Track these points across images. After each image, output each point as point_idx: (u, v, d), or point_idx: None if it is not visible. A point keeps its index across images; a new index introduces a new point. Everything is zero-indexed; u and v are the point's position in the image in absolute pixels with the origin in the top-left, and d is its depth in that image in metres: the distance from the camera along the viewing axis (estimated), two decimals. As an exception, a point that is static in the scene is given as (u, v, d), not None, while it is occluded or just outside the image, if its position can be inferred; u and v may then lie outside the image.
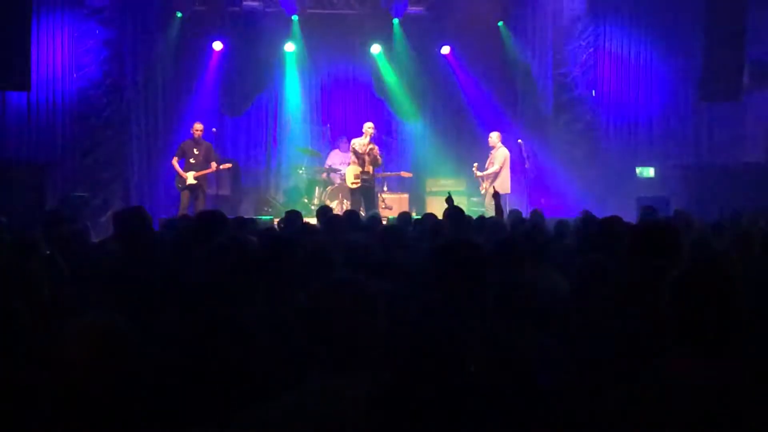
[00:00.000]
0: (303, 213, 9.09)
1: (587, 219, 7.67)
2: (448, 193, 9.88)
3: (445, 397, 2.37)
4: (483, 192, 14.69)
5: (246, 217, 10.19)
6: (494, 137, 14.72)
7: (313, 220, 9.30)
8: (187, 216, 10.08)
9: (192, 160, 13.97)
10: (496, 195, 9.88)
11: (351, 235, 6.89)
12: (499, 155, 14.50)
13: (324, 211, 9.03)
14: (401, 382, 2.39)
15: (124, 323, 2.40)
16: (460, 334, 2.58)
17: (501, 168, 14.42)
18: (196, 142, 14.05)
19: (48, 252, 5.47)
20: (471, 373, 2.48)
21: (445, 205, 8.46)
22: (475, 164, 14.69)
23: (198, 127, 14.12)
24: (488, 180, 14.49)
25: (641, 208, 9.78)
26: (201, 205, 13.56)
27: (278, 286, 4.14)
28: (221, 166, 14.25)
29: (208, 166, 14.03)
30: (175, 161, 14.07)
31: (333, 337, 2.56)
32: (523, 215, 10.75)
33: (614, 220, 5.71)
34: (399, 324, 2.73)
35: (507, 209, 14.27)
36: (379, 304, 2.65)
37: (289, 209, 9.32)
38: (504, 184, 14.45)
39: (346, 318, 2.56)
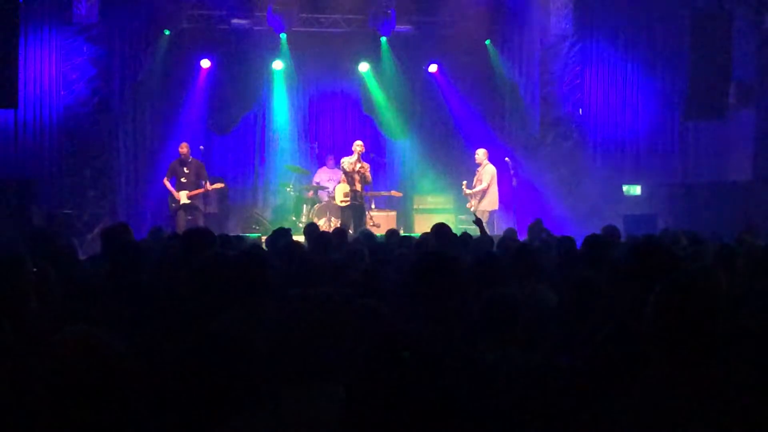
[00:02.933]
0: (291, 231, 9.06)
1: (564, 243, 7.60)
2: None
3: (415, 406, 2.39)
4: (471, 209, 14.74)
5: (233, 234, 10.18)
6: (481, 154, 14.78)
7: (301, 238, 9.30)
8: (175, 233, 10.06)
9: (183, 179, 14.06)
10: (478, 221, 9.72)
11: (337, 252, 6.91)
12: (487, 172, 14.55)
13: (311, 229, 9.03)
14: (372, 392, 2.40)
15: (108, 336, 2.41)
16: (431, 346, 2.61)
17: (489, 185, 14.47)
18: (184, 162, 14.09)
19: (35, 269, 5.46)
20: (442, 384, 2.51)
21: (432, 223, 8.48)
22: (464, 182, 14.75)
23: (183, 149, 14.15)
24: (476, 197, 14.54)
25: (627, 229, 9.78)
26: (200, 224, 13.55)
27: (261, 303, 4.15)
28: (213, 186, 14.29)
29: (201, 185, 14.10)
30: (166, 181, 14.15)
31: (305, 350, 2.57)
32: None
33: (599, 238, 5.75)
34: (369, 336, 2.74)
35: (495, 226, 14.36)
36: (349, 317, 2.66)
37: (276, 227, 9.31)
38: (492, 201, 14.51)
39: (317, 331, 2.57)
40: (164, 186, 14.22)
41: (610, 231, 8.85)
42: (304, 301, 2.72)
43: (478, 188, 14.54)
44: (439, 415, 2.62)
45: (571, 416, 2.84)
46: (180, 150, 14.18)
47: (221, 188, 14.94)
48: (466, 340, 3.57)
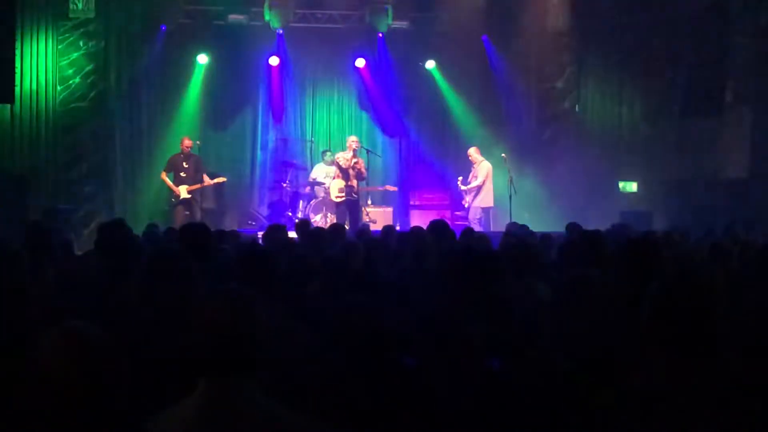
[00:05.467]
0: (287, 226, 9.05)
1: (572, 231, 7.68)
2: None
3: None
4: (466, 205, 14.74)
5: (229, 230, 10.17)
6: (473, 152, 14.81)
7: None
8: (172, 228, 10.04)
9: (183, 174, 14.14)
10: None
11: (332, 248, 6.90)
12: (483, 168, 14.56)
13: (303, 225, 9.02)
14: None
15: (97, 330, 2.41)
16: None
17: (484, 181, 14.47)
18: (185, 157, 14.19)
19: (30, 263, 5.46)
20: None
21: (428, 219, 8.47)
22: (460, 178, 14.78)
23: (186, 142, 14.28)
24: (471, 194, 14.55)
25: (613, 226, 9.76)
26: (198, 219, 13.59)
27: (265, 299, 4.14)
28: (214, 181, 14.38)
29: (200, 180, 14.13)
30: (164, 175, 14.18)
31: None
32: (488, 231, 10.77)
33: (596, 234, 5.76)
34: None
35: (491, 223, 14.36)
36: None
37: (273, 223, 9.31)
38: (488, 197, 14.51)
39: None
40: (161, 181, 14.25)
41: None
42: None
43: (473, 184, 14.55)
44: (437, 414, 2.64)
45: (568, 412, 2.84)
46: (182, 144, 14.31)
47: (219, 183, 14.93)
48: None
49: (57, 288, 4.96)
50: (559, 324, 3.87)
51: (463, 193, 14.79)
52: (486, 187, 14.51)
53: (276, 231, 8.16)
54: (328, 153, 16.00)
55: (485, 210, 14.59)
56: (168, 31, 15.87)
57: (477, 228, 12.88)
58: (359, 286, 4.78)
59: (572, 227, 8.85)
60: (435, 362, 3.36)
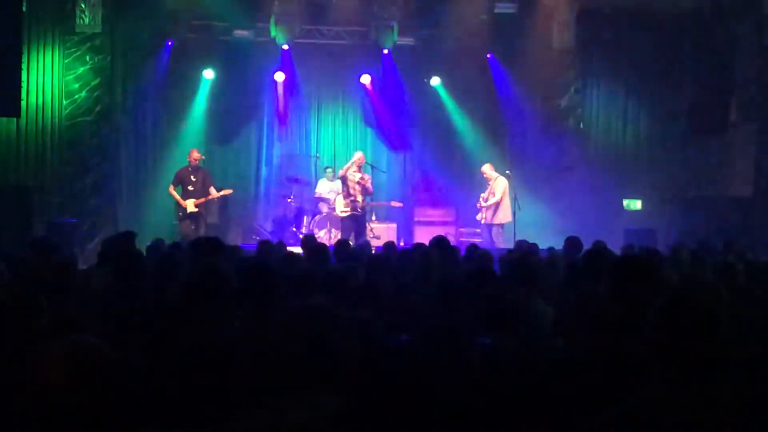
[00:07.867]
0: (291, 242, 9.05)
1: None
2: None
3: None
4: (482, 221, 14.68)
5: (233, 245, 10.17)
6: (486, 169, 14.74)
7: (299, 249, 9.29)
8: (177, 243, 10.01)
9: (190, 188, 13.97)
10: None
11: (336, 263, 6.91)
12: (499, 185, 14.50)
13: (308, 240, 9.03)
14: (369, 400, 2.41)
15: (101, 345, 2.40)
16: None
17: (502, 197, 14.42)
18: (193, 170, 14.04)
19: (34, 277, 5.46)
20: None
21: (432, 235, 8.47)
22: (482, 195, 14.67)
23: (195, 155, 14.10)
24: (490, 210, 14.48)
25: (623, 248, 9.76)
26: (203, 233, 13.46)
27: (259, 313, 4.13)
28: (220, 193, 14.22)
29: (207, 193, 14.04)
30: (172, 189, 14.07)
31: (307, 356, 2.57)
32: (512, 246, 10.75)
33: (600, 250, 5.75)
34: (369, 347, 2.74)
35: (501, 239, 14.30)
36: (352, 329, 2.67)
37: (277, 238, 9.31)
38: (506, 213, 14.46)
39: (320, 339, 2.58)
40: (166, 195, 14.21)
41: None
42: (297, 311, 2.72)
43: (492, 201, 14.51)
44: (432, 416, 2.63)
45: (573, 425, 2.84)
46: (190, 156, 14.10)
47: (224, 197, 14.83)
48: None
49: (61, 301, 4.95)
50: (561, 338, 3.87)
51: (482, 210, 14.69)
52: (504, 204, 14.45)
53: (271, 247, 8.15)
54: (329, 170, 16.07)
55: (504, 226, 14.54)
56: (174, 46, 15.95)
57: (501, 245, 12.80)
58: (360, 300, 4.78)
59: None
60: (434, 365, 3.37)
